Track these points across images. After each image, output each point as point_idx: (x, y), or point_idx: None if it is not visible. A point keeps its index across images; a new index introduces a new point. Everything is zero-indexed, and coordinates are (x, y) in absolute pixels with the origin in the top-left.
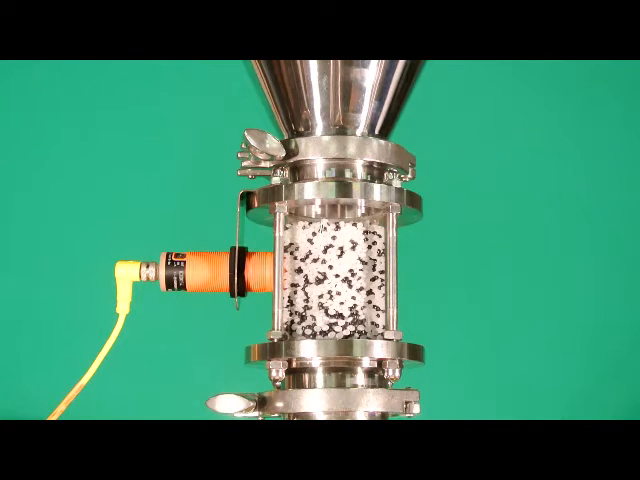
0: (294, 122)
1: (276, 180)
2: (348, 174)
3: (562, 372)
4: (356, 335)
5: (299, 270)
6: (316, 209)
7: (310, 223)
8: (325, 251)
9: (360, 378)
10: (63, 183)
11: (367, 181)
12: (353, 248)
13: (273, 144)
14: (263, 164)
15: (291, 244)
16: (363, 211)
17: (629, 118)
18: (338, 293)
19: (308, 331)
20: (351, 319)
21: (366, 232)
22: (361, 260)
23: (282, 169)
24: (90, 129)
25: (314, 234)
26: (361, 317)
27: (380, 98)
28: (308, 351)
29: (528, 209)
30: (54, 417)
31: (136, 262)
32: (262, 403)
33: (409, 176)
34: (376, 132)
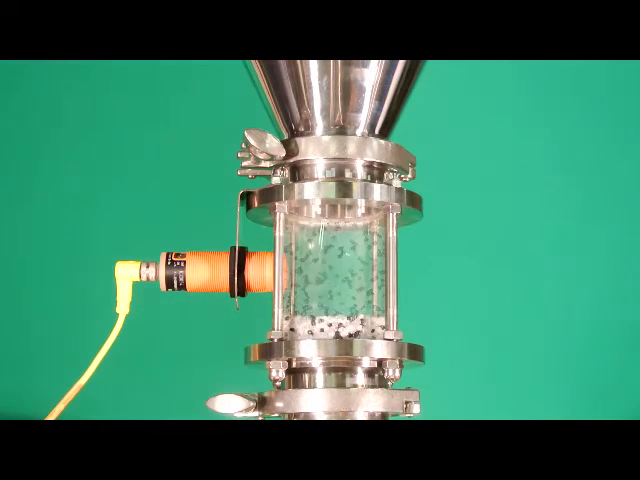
0: (294, 122)
1: (276, 180)
2: (348, 174)
3: (563, 372)
4: (356, 335)
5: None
6: (316, 209)
7: (310, 223)
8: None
9: (360, 378)
10: (63, 183)
11: (367, 181)
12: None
13: (273, 144)
14: (263, 164)
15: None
16: (363, 211)
17: (630, 117)
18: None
19: (308, 331)
20: (351, 319)
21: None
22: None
23: (282, 169)
24: (90, 128)
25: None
26: (361, 317)
27: (380, 98)
28: (308, 351)
29: (529, 209)
30: (52, 417)
31: (136, 262)
32: (262, 403)
33: (409, 176)
34: (376, 132)
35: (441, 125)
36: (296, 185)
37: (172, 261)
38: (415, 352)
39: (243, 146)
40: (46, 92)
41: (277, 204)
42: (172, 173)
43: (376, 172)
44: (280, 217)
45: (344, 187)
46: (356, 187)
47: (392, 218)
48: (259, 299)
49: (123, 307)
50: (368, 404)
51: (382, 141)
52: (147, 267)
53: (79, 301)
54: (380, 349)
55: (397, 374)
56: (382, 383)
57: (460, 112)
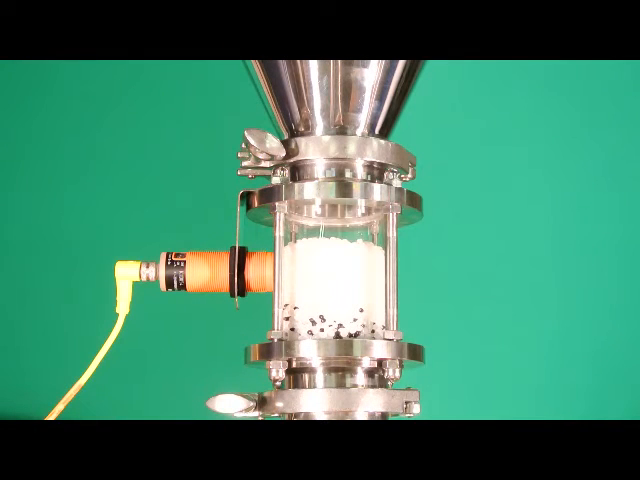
0: (294, 122)
1: (276, 180)
2: (348, 174)
3: (563, 372)
4: (356, 335)
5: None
6: (316, 209)
7: (310, 223)
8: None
9: (360, 378)
10: (63, 182)
11: (367, 181)
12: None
13: (273, 144)
14: (263, 164)
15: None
16: (363, 211)
17: (632, 116)
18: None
19: (308, 331)
20: (351, 319)
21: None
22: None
23: (282, 169)
24: (90, 129)
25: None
26: (361, 317)
27: (380, 98)
28: (308, 351)
29: (529, 209)
30: (52, 417)
31: (136, 262)
32: (262, 403)
33: (409, 176)
34: (376, 132)
35: (441, 125)
36: (296, 185)
37: (172, 261)
38: (415, 352)
39: (243, 146)
40: (48, 91)
41: (277, 204)
42: (172, 173)
43: (376, 172)
44: (280, 217)
45: (344, 187)
46: (356, 187)
47: (392, 218)
48: (259, 299)
49: (123, 307)
50: (368, 404)
51: (382, 141)
52: (147, 267)
53: (79, 301)
54: (380, 349)
55: (397, 374)
56: (382, 383)
57: (460, 112)
